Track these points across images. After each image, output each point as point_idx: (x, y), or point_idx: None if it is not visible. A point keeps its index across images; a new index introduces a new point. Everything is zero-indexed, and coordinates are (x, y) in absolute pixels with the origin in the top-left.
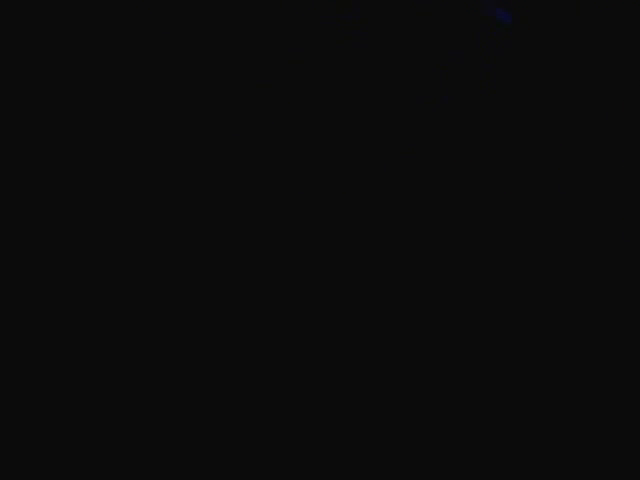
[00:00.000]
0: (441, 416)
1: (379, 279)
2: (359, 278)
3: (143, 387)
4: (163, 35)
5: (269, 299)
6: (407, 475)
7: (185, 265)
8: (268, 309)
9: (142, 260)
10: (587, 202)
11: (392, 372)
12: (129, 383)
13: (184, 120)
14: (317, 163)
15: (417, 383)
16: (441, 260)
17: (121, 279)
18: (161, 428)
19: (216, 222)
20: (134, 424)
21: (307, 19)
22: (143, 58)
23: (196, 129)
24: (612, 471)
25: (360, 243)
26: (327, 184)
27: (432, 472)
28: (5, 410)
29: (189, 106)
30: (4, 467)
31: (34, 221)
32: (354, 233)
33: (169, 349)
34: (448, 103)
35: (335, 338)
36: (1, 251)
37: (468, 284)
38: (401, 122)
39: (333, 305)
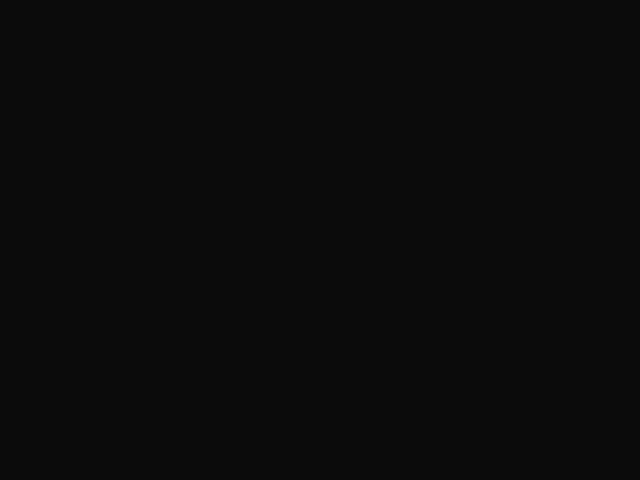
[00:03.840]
0: (440, 416)
1: (380, 279)
2: (359, 278)
3: (143, 387)
4: (163, 35)
5: (269, 299)
6: (407, 475)
7: (184, 266)
8: (267, 309)
9: (142, 260)
10: (587, 201)
11: (392, 372)
12: (129, 384)
13: (184, 120)
14: (316, 162)
15: (416, 383)
16: (441, 257)
17: (121, 279)
18: (161, 428)
19: (216, 222)
20: (134, 424)
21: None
22: (143, 58)
23: (196, 129)
24: (612, 471)
25: (360, 241)
26: (326, 183)
27: (432, 472)
28: (5, 410)
29: (189, 106)
30: (4, 467)
31: (34, 222)
32: (354, 232)
33: (169, 349)
34: None
35: (334, 338)
36: (1, 252)
37: (468, 284)
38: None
39: (332, 305)
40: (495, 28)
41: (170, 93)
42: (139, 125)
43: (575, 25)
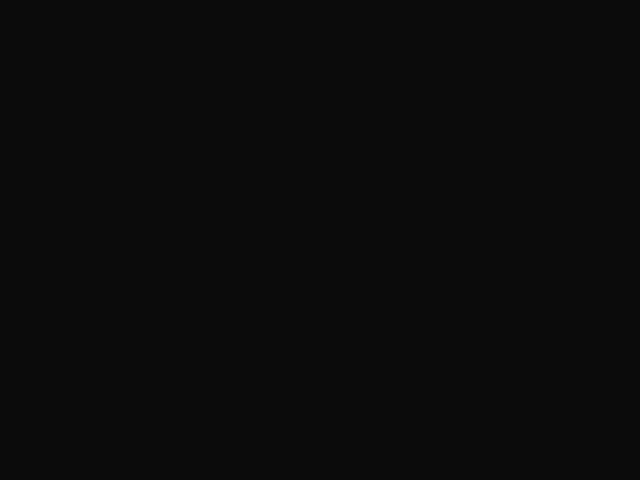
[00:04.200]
0: (440, 416)
1: (380, 280)
2: (359, 277)
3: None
4: (164, 35)
5: (268, 300)
6: (407, 475)
7: (184, 266)
8: (267, 310)
9: (142, 260)
10: (587, 201)
11: (391, 373)
12: (129, 384)
13: (184, 121)
14: (315, 162)
15: (415, 384)
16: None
17: (120, 279)
18: (161, 428)
19: (216, 222)
20: (134, 424)
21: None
22: (143, 58)
23: (196, 130)
24: (612, 471)
25: (361, 242)
26: (326, 184)
27: (431, 472)
28: (5, 410)
29: (189, 107)
30: (4, 467)
31: (34, 222)
32: (354, 232)
33: (169, 350)
34: None
35: (334, 339)
36: (2, 252)
37: (467, 285)
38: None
39: (332, 305)
40: (495, 28)
41: (170, 93)
42: (139, 125)
43: (575, 25)
